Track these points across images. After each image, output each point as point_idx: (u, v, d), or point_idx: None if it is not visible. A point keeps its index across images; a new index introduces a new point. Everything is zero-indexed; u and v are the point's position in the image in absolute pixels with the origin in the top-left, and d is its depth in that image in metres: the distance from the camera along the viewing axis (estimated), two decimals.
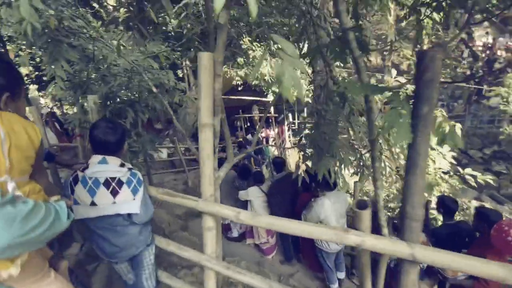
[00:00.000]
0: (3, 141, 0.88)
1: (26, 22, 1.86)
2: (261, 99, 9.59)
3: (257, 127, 10.98)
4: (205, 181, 1.34)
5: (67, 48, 2.20)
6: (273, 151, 9.67)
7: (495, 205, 6.72)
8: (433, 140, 3.66)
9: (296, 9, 2.59)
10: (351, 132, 2.40)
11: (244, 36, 7.19)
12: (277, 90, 9.05)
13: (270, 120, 9.74)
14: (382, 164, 2.48)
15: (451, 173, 4.20)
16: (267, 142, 10.29)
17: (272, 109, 9.88)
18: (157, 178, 6.28)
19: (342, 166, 2.37)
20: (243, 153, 2.09)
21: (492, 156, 9.27)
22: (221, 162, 2.21)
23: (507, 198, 6.72)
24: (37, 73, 8.91)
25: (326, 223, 2.79)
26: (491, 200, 6.87)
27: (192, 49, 2.90)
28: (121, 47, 2.67)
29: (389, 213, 4.59)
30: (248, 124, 10.88)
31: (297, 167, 2.72)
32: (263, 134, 10.37)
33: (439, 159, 4.06)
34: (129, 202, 1.35)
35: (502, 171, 8.06)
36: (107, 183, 1.33)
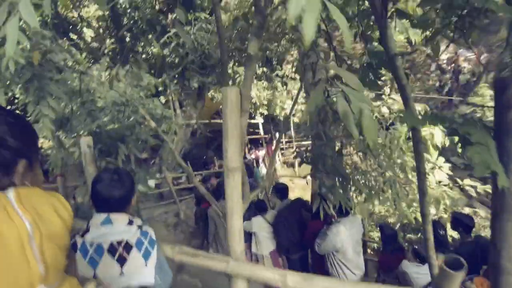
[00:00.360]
0: (31, 237, 0.61)
1: (8, 58, 1.64)
2: (248, 121, 9.54)
3: (246, 149, 10.81)
4: (235, 237, 1.12)
5: (52, 84, 1.97)
6: (264, 172, 9.49)
7: (487, 210, 6.85)
8: (434, 154, 3.67)
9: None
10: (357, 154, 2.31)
11: (230, 61, 7.24)
12: (265, 112, 9.06)
13: (260, 141, 9.66)
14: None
15: (450, 185, 4.22)
16: (257, 163, 10.13)
17: (261, 129, 9.83)
18: (146, 213, 5.84)
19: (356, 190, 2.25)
20: (257, 190, 1.90)
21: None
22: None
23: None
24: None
25: (343, 252, 2.60)
26: (482, 206, 7.00)
27: (189, 79, 2.77)
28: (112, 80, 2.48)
29: (410, 235, 4.48)
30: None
31: (314, 195, 2.57)
32: (253, 156, 10.22)
33: (437, 171, 4.07)
34: (140, 271, 1.09)
35: (486, 175, 8.35)
36: (112, 249, 1.08)
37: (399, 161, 2.72)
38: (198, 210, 5.28)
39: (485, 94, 7.13)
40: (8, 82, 1.98)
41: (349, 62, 2.23)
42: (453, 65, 15.42)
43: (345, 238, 2.57)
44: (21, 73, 1.82)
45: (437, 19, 1.30)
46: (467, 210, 6.79)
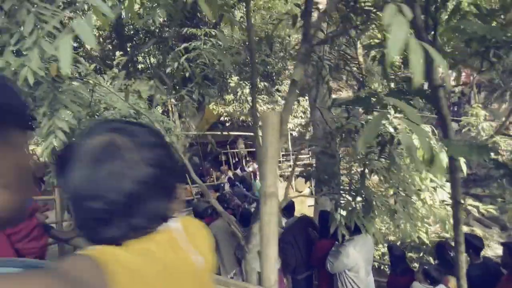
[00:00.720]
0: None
1: (27, 69, 1.60)
2: (247, 133, 9.55)
3: (244, 161, 10.76)
4: (270, 266, 1.08)
5: (67, 95, 1.93)
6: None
7: (483, 229, 6.92)
8: (441, 176, 3.71)
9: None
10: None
11: (233, 75, 7.32)
12: None
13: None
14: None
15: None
16: (254, 176, 10.05)
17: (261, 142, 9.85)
18: None
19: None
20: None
21: (467, 179, 9.83)
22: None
23: (492, 221, 7.01)
24: None
25: (356, 270, 2.57)
26: (479, 224, 7.08)
27: (199, 93, 2.77)
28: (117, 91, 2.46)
29: (411, 254, 4.44)
30: (237, 159, 10.62)
31: (323, 215, 2.54)
32: (250, 169, 10.15)
33: (439, 190, 4.10)
34: None
35: (480, 194, 8.52)
36: None
37: (409, 180, 2.74)
38: None
39: (479, 114, 7.36)
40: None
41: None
42: (444, 85, 16.06)
43: (359, 257, 2.53)
44: (37, 85, 1.78)
45: (466, 49, 1.33)
46: (465, 229, 6.83)
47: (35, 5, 1.60)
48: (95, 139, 0.44)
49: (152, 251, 0.45)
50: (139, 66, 8.87)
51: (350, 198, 1.93)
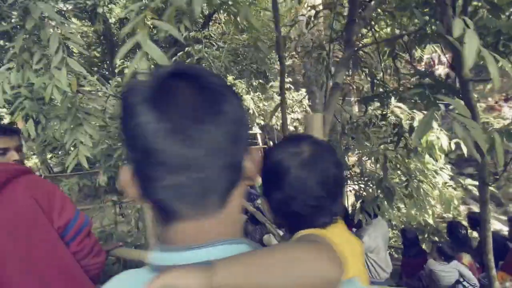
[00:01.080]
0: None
1: (52, 84, 1.61)
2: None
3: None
4: None
5: (87, 111, 1.94)
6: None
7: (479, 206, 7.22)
8: (440, 159, 3.88)
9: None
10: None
11: (228, 74, 7.32)
12: (262, 122, 9.17)
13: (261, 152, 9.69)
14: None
15: (454, 185, 4.44)
16: None
17: (259, 139, 9.91)
18: None
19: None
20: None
21: (459, 159, 10.19)
22: None
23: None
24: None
25: (377, 252, 2.70)
26: (475, 202, 7.37)
27: None
28: None
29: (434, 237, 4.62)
30: None
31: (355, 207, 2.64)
32: None
33: (441, 173, 4.28)
34: None
35: (474, 173, 8.87)
36: None
37: (417, 166, 2.88)
38: None
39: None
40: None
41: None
42: (430, 69, 16.44)
43: (379, 239, 2.67)
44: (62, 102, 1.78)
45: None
46: (462, 208, 7.12)
47: (55, 22, 1.61)
48: (299, 149, 0.57)
49: (343, 232, 0.61)
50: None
51: (373, 187, 2.03)
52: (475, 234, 3.49)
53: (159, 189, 0.32)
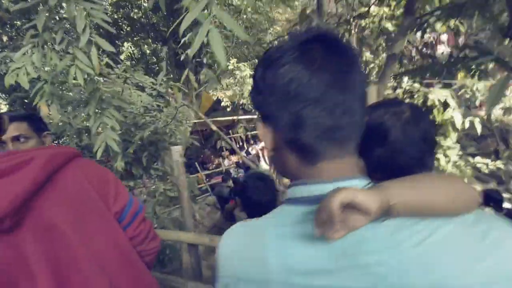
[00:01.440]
0: None
1: (75, 67, 1.55)
2: (247, 117, 9.50)
3: (245, 145, 10.73)
4: None
5: (112, 95, 1.89)
6: (265, 168, 9.53)
7: (481, 184, 7.37)
8: (452, 137, 3.90)
9: None
10: None
11: (232, 57, 7.15)
12: None
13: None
14: None
15: (463, 164, 4.50)
16: (258, 159, 10.11)
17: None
18: (164, 216, 5.72)
19: None
20: None
21: (463, 138, 10.28)
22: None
23: (489, 176, 7.47)
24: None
25: None
26: (477, 181, 7.52)
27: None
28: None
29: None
30: (239, 144, 10.58)
31: None
32: (253, 152, 10.19)
33: (450, 152, 4.32)
34: None
35: (475, 152, 8.98)
36: None
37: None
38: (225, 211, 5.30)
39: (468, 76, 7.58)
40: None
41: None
42: (431, 50, 16.19)
43: None
44: (87, 85, 1.72)
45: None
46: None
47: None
48: (401, 109, 0.59)
49: None
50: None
51: None
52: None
53: (312, 132, 0.38)
